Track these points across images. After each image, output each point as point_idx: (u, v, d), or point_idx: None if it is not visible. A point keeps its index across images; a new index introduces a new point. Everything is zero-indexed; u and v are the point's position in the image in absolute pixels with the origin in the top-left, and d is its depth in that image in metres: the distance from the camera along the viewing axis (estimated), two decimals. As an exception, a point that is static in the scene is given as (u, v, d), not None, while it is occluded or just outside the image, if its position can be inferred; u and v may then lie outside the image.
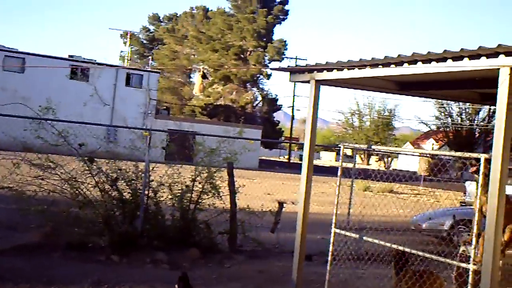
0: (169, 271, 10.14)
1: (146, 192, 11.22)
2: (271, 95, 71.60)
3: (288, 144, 73.88)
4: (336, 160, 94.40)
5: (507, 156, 5.04)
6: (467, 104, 56.45)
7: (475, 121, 65.58)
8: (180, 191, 11.67)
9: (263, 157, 63.39)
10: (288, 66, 9.33)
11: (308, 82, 7.40)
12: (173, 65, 69.92)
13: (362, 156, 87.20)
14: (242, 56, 68.80)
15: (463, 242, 9.46)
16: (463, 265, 6.24)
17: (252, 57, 68.05)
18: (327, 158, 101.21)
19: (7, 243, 10.49)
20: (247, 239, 12.03)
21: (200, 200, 11.70)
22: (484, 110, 62.94)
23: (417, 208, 20.59)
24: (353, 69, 6.59)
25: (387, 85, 7.66)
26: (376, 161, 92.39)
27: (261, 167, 46.04)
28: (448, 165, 50.58)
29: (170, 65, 70.36)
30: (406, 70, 5.86)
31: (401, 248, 7.11)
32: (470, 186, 26.47)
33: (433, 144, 74.13)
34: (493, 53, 5.00)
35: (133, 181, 11.26)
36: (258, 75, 68.93)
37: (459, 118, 66.28)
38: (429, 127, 73.58)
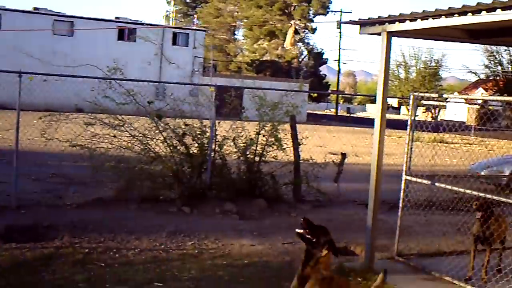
0: (238, 220, 10.55)
1: (213, 146, 11.55)
2: (317, 49, 71.13)
3: (335, 97, 73.53)
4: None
5: None
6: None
7: (527, 69, 64.09)
8: (244, 145, 11.97)
9: (310, 111, 63.36)
10: (359, 19, 9.39)
11: (379, 34, 7.49)
12: (217, 23, 69.85)
13: (409, 107, 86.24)
14: (286, 11, 68.28)
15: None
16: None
17: (297, 11, 67.53)
18: (372, 111, 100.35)
19: (84, 198, 11.03)
20: (311, 189, 12.32)
21: (264, 153, 11.98)
22: (537, 56, 61.42)
23: (472, 157, 20.52)
24: (427, 19, 6.67)
25: (457, 34, 7.68)
26: (423, 112, 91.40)
27: (309, 121, 46.09)
28: (497, 113, 49.85)
29: (214, 22, 70.30)
30: (484, 18, 5.92)
31: (484, 195, 7.28)
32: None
33: (482, 93, 72.78)
34: None
35: (199, 136, 11.58)
36: (304, 30, 68.43)
37: (510, 66, 64.83)
38: (478, 76, 72.24)
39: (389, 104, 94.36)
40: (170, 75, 47.66)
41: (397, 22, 7.16)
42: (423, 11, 6.60)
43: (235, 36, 79.27)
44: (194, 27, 59.36)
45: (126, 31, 51.61)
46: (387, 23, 7.31)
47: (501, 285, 6.91)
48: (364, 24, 7.71)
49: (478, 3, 5.94)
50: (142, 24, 53.09)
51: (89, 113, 11.57)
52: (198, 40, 53.24)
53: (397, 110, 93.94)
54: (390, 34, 7.42)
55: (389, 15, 7.19)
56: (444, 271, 7.48)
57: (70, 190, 11.82)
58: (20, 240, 8.17)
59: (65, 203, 10.72)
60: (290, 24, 7.80)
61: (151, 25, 51.97)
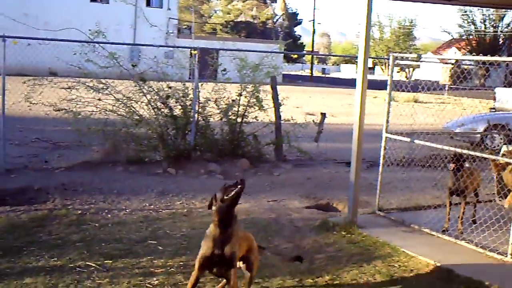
0: (223, 180, 10.81)
1: (196, 108, 11.75)
2: (291, 10, 70.85)
3: (310, 57, 73.56)
4: (356, 73, 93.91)
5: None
6: (491, 10, 55.62)
7: (499, 27, 64.65)
8: (226, 106, 12.18)
9: (285, 72, 63.46)
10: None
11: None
12: (191, -17, 69.08)
13: (383, 67, 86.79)
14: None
15: (504, 143, 10.04)
16: (514, 160, 6.76)
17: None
18: (347, 71, 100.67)
19: (72, 161, 11.23)
20: (292, 149, 12.63)
21: (246, 114, 12.22)
22: (509, 15, 62.01)
23: (445, 116, 20.95)
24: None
25: (436, -5, 7.98)
26: (398, 72, 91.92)
27: (284, 82, 46.25)
28: (471, 72, 50.49)
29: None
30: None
31: (457, 150, 7.65)
32: (500, 92, 26.77)
33: (455, 52, 73.38)
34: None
35: (182, 98, 11.76)
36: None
37: (482, 25, 65.36)
38: (452, 35, 72.75)
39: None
40: (144, 37, 47.23)
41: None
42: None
43: (209, -3, 78.54)
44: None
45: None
46: (368, -16, 7.52)
47: (476, 235, 7.32)
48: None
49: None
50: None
51: (73, 77, 11.62)
52: (172, 1, 52.72)
53: (371, 70, 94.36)
54: (371, -5, 7.65)
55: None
56: (423, 224, 7.87)
57: (54, 154, 11.99)
58: (13, 203, 8.38)
59: (53, 166, 10.89)
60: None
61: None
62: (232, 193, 4.67)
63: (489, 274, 6.29)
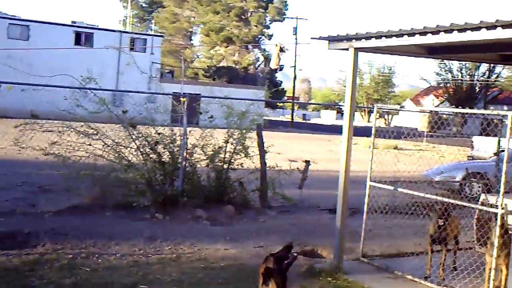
0: (210, 226, 11.02)
1: (184, 154, 11.98)
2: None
3: (291, 104, 74.40)
4: (336, 119, 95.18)
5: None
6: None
7: (475, 76, 66.18)
8: (213, 152, 12.42)
9: (266, 117, 63.93)
10: (329, 35, 9.91)
11: (347, 49, 8.10)
12: (174, 28, 70.01)
13: (363, 113, 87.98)
14: (243, 17, 68.97)
15: (483, 192, 10.38)
16: (493, 210, 7.06)
17: (253, 18, 68.34)
18: (327, 117, 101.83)
19: (60, 205, 11.34)
20: (277, 195, 12.87)
21: (232, 160, 12.47)
22: (484, 65, 63.50)
23: (425, 163, 21.34)
24: (391, 37, 7.31)
25: (418, 50, 8.37)
26: (377, 118, 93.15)
27: (265, 128, 46.63)
28: (448, 120, 51.44)
29: (171, 28, 70.44)
30: (443, 38, 6.58)
31: (444, 199, 7.94)
32: (477, 140, 27.37)
33: (433, 99, 74.83)
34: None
35: (171, 145, 12.00)
36: (259, 36, 69.22)
37: (459, 74, 66.90)
38: (429, 83, 74.25)
39: (344, 111, 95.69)
40: (128, 80, 47.65)
41: (363, 39, 7.78)
42: (388, 30, 7.23)
43: (191, 41, 79.49)
44: (152, 33, 59.46)
45: (83, 36, 51.54)
46: (354, 40, 7.93)
47: (457, 281, 7.57)
48: (332, 40, 8.30)
49: (437, 25, 6.59)
50: (98, 29, 53.07)
51: (62, 121, 11.84)
52: (155, 45, 53.46)
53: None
54: (357, 50, 8.04)
55: (357, 33, 7.80)
56: (405, 270, 8.10)
57: (41, 198, 12.10)
58: (4, 247, 8.46)
59: (41, 210, 11.00)
60: (276, 45, 8.31)
61: (112, 30, 51.96)
62: (290, 259, 4.78)
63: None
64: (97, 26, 54.90)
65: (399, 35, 7.17)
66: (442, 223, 7.83)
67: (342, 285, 7.60)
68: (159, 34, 59.56)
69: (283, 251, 4.84)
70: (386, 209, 10.40)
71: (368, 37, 7.64)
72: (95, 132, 11.58)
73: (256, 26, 66.68)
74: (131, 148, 11.76)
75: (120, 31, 55.02)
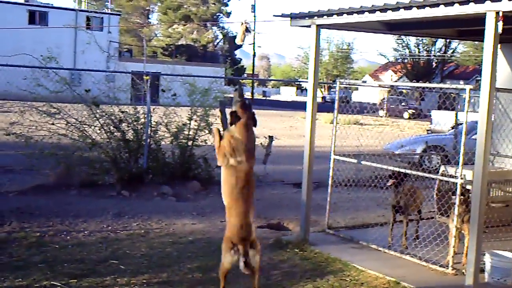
0: (176, 202, 11.13)
1: (148, 131, 12.01)
2: (232, 34, 71.72)
3: (251, 81, 74.43)
4: (297, 95, 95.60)
5: (493, 85, 6.07)
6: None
7: (432, 52, 67.22)
8: (176, 130, 12.49)
9: (226, 95, 63.86)
10: (291, 13, 9.95)
11: (309, 26, 8.23)
12: (131, 6, 69.10)
13: (323, 89, 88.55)
14: (201, -6, 68.51)
15: (442, 164, 10.74)
16: (453, 180, 7.35)
17: (212, -5, 67.89)
18: (287, 93, 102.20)
19: (24, 185, 11.29)
20: (241, 171, 12.98)
21: (196, 137, 12.56)
22: (441, 40, 64.55)
23: (387, 137, 21.73)
24: (352, 14, 7.48)
25: (378, 27, 8.55)
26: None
27: (227, 105, 46.57)
28: (408, 96, 52.28)
29: (128, 6, 69.50)
30: (404, 14, 6.77)
31: (400, 169, 8.21)
32: (436, 114, 27.97)
33: (391, 75, 75.76)
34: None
35: (135, 123, 12.01)
36: (218, 14, 68.87)
37: (416, 49, 67.81)
38: (387, 58, 75.16)
39: (303, 87, 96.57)
40: (86, 59, 46.92)
41: (325, 16, 7.93)
42: (349, 7, 7.39)
43: (149, 20, 78.65)
44: (109, 11, 58.59)
45: (37, 15, 50.54)
46: (316, 17, 8.06)
47: (419, 250, 7.86)
48: (294, 17, 8.43)
49: (397, 2, 6.78)
50: (53, 7, 52.08)
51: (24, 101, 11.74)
52: (113, 24, 52.75)
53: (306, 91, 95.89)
54: (319, 27, 8.18)
55: (319, 10, 7.94)
56: (370, 240, 8.37)
57: (4, 178, 12.02)
58: (-30, 227, 8.45)
59: (5, 190, 10.94)
60: (241, 23, 8.39)
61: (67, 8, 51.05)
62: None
63: (432, 284, 6.82)
64: (52, 4, 53.76)
65: (360, 12, 7.33)
66: (390, 184, 8.09)
67: (309, 256, 7.81)
68: (116, 12, 58.57)
69: None
70: (350, 183, 10.64)
71: (330, 14, 7.79)
72: (57, 112, 11.50)
73: (214, 3, 66.35)
74: (95, 126, 11.72)
75: (76, 10, 54.02)
